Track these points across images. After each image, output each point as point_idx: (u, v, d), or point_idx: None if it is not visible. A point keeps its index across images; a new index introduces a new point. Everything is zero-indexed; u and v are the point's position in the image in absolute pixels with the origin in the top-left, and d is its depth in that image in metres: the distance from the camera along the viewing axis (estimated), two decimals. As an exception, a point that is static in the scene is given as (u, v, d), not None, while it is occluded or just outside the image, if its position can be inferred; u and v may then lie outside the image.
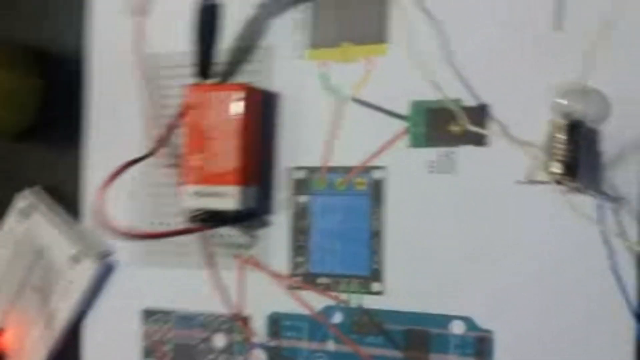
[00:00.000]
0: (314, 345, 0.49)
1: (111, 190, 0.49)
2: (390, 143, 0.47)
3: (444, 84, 0.45)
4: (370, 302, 0.48)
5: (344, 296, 0.48)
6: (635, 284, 0.41)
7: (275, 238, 0.50)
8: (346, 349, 0.48)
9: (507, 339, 0.44)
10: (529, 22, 0.44)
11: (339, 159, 0.48)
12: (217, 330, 0.51)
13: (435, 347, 0.46)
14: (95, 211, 0.48)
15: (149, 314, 0.54)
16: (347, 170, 0.48)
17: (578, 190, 0.41)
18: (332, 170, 0.49)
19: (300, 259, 0.49)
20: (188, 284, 0.52)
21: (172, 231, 0.49)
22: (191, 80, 0.49)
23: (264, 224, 0.50)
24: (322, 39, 0.49)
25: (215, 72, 0.50)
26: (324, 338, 0.49)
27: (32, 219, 0.56)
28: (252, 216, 0.49)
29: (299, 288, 0.49)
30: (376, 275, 0.47)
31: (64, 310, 0.54)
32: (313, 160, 0.49)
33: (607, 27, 0.41)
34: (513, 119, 0.44)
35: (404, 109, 0.47)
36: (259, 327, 0.50)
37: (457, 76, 0.45)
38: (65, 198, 0.56)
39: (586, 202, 0.42)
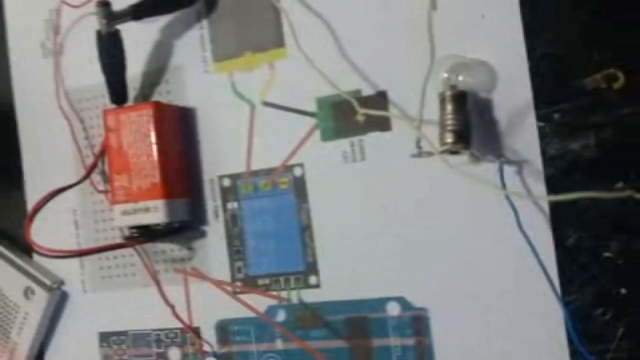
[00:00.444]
0: (263, 347, 0.50)
1: (57, 225, 0.52)
2: (304, 140, 0.49)
3: (344, 77, 0.47)
4: (309, 296, 0.49)
5: (284, 294, 0.50)
6: (552, 239, 0.42)
7: (213, 247, 0.52)
8: (294, 345, 0.49)
9: (441, 315, 0.45)
10: (408, 6, 0.45)
11: (260, 162, 0.50)
12: (170, 344, 0.53)
13: (375, 332, 0.47)
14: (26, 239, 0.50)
15: (105, 337, 0.55)
16: (269, 171, 0.50)
17: (476, 158, 0.43)
18: (255, 173, 0.50)
19: (239, 264, 0.51)
20: (139, 303, 0.54)
21: (104, 247, 0.52)
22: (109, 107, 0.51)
23: (200, 235, 0.52)
24: (226, 52, 0.51)
25: (130, 97, 0.52)
26: (271, 338, 0.50)
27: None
28: (185, 228, 0.51)
29: (242, 292, 0.51)
30: (311, 268, 0.49)
31: (24, 343, 0.56)
32: (236, 167, 0.51)
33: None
34: (411, 100, 0.45)
35: (311, 106, 0.48)
36: (209, 336, 0.52)
37: (353, 69, 0.47)
38: (17, 237, 0.58)
39: (490, 169, 0.43)
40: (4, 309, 0.57)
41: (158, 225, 0.50)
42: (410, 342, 0.46)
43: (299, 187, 0.49)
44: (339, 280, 0.48)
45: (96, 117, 0.55)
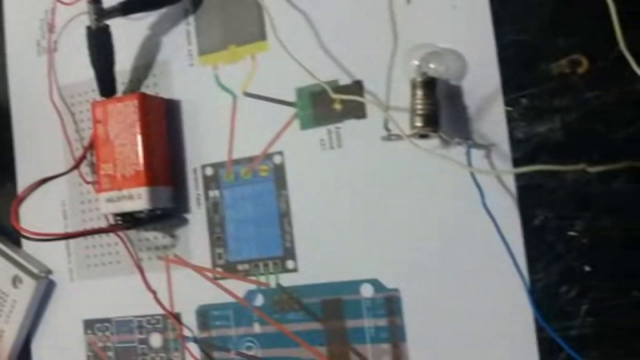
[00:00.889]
0: (241, 331, 0.52)
1: (46, 215, 0.54)
2: (284, 129, 0.50)
3: (322, 68, 0.49)
4: (287, 280, 0.50)
5: (263, 278, 0.51)
6: (519, 219, 0.43)
7: (195, 234, 0.53)
8: (271, 329, 0.51)
9: (412, 295, 0.47)
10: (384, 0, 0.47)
11: (242, 151, 0.52)
12: (152, 330, 0.54)
13: (349, 313, 0.48)
14: (11, 222, 0.52)
15: (90, 324, 0.56)
16: (249, 160, 0.51)
17: (445, 140, 0.44)
18: (237, 162, 0.52)
19: (219, 250, 0.52)
20: (123, 290, 0.55)
21: (88, 231, 0.54)
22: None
23: (183, 223, 0.53)
24: (210, 45, 0.53)
25: (119, 90, 0.54)
26: (249, 322, 0.51)
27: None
28: (168, 216, 0.53)
29: (222, 278, 0.52)
30: (289, 253, 0.50)
31: (11, 330, 0.57)
32: (219, 156, 0.52)
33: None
34: (385, 88, 0.47)
35: (291, 96, 0.50)
36: (190, 321, 0.53)
37: (331, 60, 0.49)
38: (6, 228, 0.60)
39: (461, 153, 0.45)
40: (-7, 296, 0.58)
41: (141, 212, 0.51)
42: (383, 322, 0.47)
43: (279, 174, 0.50)
44: (315, 264, 0.49)
45: (86, 112, 0.57)
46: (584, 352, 0.41)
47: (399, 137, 0.44)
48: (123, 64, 0.55)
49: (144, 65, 0.55)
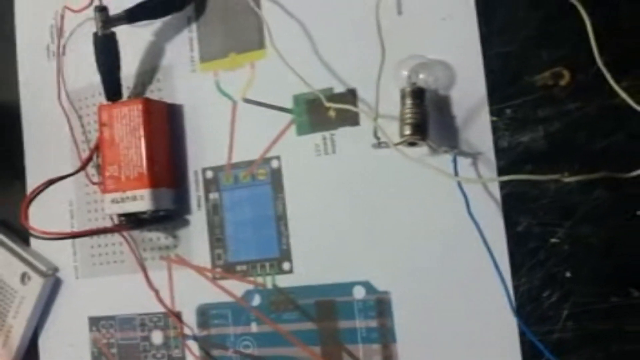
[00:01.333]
0: (239, 330, 0.53)
1: (54, 214, 0.57)
2: (281, 134, 0.52)
3: (318, 76, 0.50)
4: (283, 281, 0.52)
5: (260, 279, 0.53)
6: (503, 226, 0.45)
7: (196, 235, 0.55)
8: (268, 328, 0.52)
9: (402, 298, 0.48)
10: (379, 12, 0.49)
11: (241, 155, 0.54)
12: (154, 328, 0.57)
13: (342, 314, 0.50)
14: (21, 222, 0.54)
15: (95, 321, 0.59)
16: (248, 164, 0.53)
17: (433, 149, 0.46)
18: (236, 166, 0.54)
19: (219, 251, 0.54)
20: (126, 288, 0.58)
21: (93, 230, 0.56)
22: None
23: (184, 224, 0.55)
24: (212, 53, 0.55)
25: (124, 95, 0.56)
26: (247, 321, 0.53)
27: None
28: (170, 217, 0.55)
29: (221, 278, 0.54)
30: (285, 255, 0.52)
31: (19, 326, 0.59)
32: (219, 159, 0.54)
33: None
34: (378, 97, 0.48)
35: (288, 103, 0.52)
36: (190, 320, 0.55)
37: (326, 68, 0.51)
38: (16, 226, 0.62)
39: (448, 161, 0.46)
40: (2, 293, 0.61)
41: (144, 213, 0.53)
42: (373, 323, 0.49)
43: (276, 178, 0.52)
44: (309, 266, 0.51)
45: (93, 115, 0.59)
46: (564, 356, 0.43)
47: (387, 145, 0.46)
48: (128, 69, 0.57)
49: (149, 71, 0.57)
